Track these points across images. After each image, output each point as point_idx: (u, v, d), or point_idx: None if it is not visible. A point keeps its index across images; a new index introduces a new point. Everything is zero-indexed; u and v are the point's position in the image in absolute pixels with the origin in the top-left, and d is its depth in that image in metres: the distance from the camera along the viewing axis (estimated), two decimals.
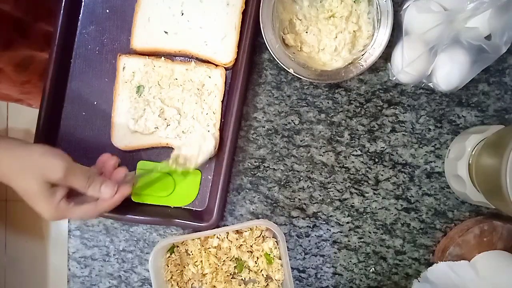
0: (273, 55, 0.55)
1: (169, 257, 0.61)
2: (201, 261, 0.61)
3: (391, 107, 0.61)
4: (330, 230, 0.63)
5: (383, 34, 0.55)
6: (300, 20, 0.58)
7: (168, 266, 0.61)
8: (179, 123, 0.60)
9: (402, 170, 0.62)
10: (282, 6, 0.57)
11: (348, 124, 0.62)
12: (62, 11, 0.59)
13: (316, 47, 0.58)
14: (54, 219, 0.49)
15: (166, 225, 0.63)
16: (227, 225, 0.62)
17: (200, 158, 0.58)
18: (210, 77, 0.60)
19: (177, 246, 0.62)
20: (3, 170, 0.47)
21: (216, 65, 0.60)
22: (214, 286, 0.61)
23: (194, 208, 0.62)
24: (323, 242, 0.63)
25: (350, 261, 0.63)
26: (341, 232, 0.63)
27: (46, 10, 0.69)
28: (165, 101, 0.60)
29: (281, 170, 0.62)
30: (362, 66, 0.56)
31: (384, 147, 0.62)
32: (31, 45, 0.72)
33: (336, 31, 0.57)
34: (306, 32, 0.58)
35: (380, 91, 0.61)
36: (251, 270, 0.61)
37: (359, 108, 0.62)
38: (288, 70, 0.56)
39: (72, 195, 0.50)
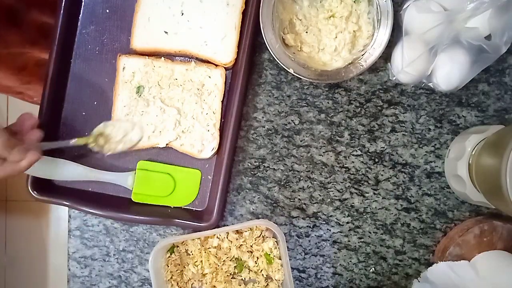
0: (273, 55, 0.55)
1: (169, 257, 0.61)
2: (201, 261, 0.61)
3: (391, 107, 0.61)
4: (330, 230, 0.63)
5: (383, 34, 0.55)
6: (300, 20, 0.58)
7: (168, 266, 0.61)
8: (179, 123, 0.60)
9: (402, 170, 0.62)
10: (282, 6, 0.57)
11: (348, 124, 0.62)
12: (62, 11, 0.59)
13: (316, 47, 0.58)
14: None
15: (166, 225, 0.63)
16: (227, 225, 0.62)
17: (120, 146, 0.57)
18: (210, 77, 0.60)
19: (177, 246, 0.62)
20: None
21: (216, 65, 0.60)
22: (214, 286, 0.61)
23: (194, 208, 0.62)
24: (323, 242, 0.63)
25: (350, 261, 0.63)
26: (341, 232, 0.63)
27: (48, 2, 0.67)
28: (165, 101, 0.60)
29: (281, 170, 0.62)
30: (362, 66, 0.56)
31: (384, 147, 0.62)
32: (23, 34, 0.71)
33: (336, 31, 0.57)
34: (306, 32, 0.58)
35: (380, 91, 0.61)
36: (251, 270, 0.61)
37: (359, 108, 0.62)
38: (288, 70, 0.56)
39: None
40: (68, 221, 0.64)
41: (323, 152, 0.62)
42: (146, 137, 0.60)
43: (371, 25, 0.57)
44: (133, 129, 0.58)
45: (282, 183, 0.63)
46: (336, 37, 0.58)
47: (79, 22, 0.62)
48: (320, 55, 0.59)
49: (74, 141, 0.56)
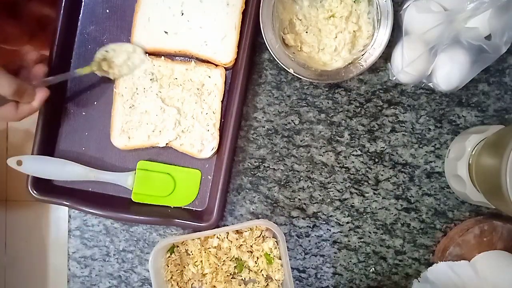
0: (273, 55, 0.55)
1: (169, 257, 0.61)
2: (201, 261, 0.61)
3: (391, 107, 0.61)
4: (330, 230, 0.63)
5: (383, 34, 0.55)
6: (300, 20, 0.58)
7: (168, 266, 0.61)
8: (179, 122, 0.60)
9: (402, 170, 0.62)
10: (282, 6, 0.57)
11: (348, 124, 0.62)
12: (62, 12, 0.59)
13: (316, 47, 0.58)
14: None
15: (166, 225, 0.63)
16: (227, 225, 0.62)
17: (124, 69, 0.58)
18: (210, 77, 0.60)
19: (177, 246, 0.62)
20: None
21: (216, 65, 0.60)
22: (214, 286, 0.61)
23: (194, 208, 0.62)
24: (323, 242, 0.63)
25: (350, 261, 0.63)
26: (341, 232, 0.63)
27: None
28: (165, 100, 0.60)
29: (281, 170, 0.62)
30: (362, 66, 0.56)
31: (384, 147, 0.62)
32: (22, 27, 0.70)
33: (336, 31, 0.57)
34: (306, 32, 0.58)
35: (380, 91, 0.61)
36: (251, 270, 0.61)
37: (359, 108, 0.62)
38: (288, 70, 0.56)
39: None
40: (68, 221, 0.64)
41: (323, 152, 0.62)
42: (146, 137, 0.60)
43: (371, 25, 0.57)
44: (135, 51, 0.58)
45: (282, 183, 0.63)
46: (336, 37, 0.58)
47: (79, 22, 0.62)
48: (320, 55, 0.59)
49: (78, 71, 0.57)
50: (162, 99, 0.60)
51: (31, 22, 0.71)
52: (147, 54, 0.60)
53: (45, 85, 0.53)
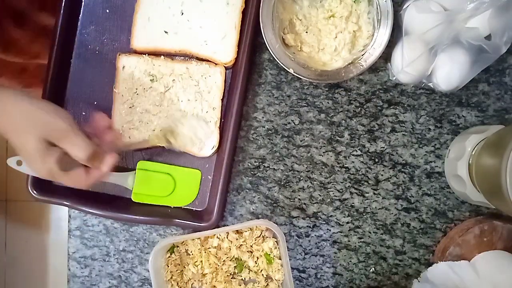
0: (273, 55, 0.55)
1: (169, 257, 0.61)
2: (201, 261, 0.61)
3: (391, 107, 0.61)
4: (330, 230, 0.63)
5: (383, 34, 0.55)
6: (300, 20, 0.58)
7: (168, 266, 0.61)
8: (179, 121, 0.60)
9: (402, 170, 0.62)
10: (282, 6, 0.57)
11: (348, 124, 0.62)
12: (62, 11, 0.59)
13: (316, 47, 0.58)
14: (44, 177, 0.49)
15: (166, 225, 0.63)
16: (227, 225, 0.62)
17: (189, 143, 0.58)
18: (210, 75, 0.60)
19: (177, 246, 0.62)
20: (4, 122, 0.46)
21: (216, 64, 0.60)
22: (214, 286, 0.61)
23: (194, 208, 0.62)
24: (323, 242, 0.63)
25: (350, 261, 0.63)
26: (341, 232, 0.63)
27: (51, 2, 0.67)
28: (165, 100, 0.60)
29: (281, 170, 0.62)
30: (362, 66, 0.56)
31: (384, 147, 0.62)
32: (27, 35, 0.71)
33: (336, 31, 0.57)
34: (306, 32, 0.58)
35: (380, 91, 0.61)
36: (251, 270, 0.61)
37: (359, 108, 0.62)
38: (288, 70, 0.56)
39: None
40: (68, 221, 0.64)
41: (323, 152, 0.62)
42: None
43: (371, 25, 0.57)
44: (200, 125, 0.59)
45: (282, 183, 0.63)
46: (336, 37, 0.58)
47: (79, 22, 0.62)
48: (320, 55, 0.58)
49: (150, 140, 0.58)
50: (162, 99, 0.60)
51: (36, 30, 0.72)
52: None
53: (115, 151, 0.53)
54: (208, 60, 0.60)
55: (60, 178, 0.49)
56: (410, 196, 0.62)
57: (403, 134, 0.62)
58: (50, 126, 0.46)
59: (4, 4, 0.63)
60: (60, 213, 1.50)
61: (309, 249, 0.63)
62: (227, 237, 0.61)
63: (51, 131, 0.46)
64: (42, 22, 0.71)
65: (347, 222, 0.62)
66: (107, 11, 0.62)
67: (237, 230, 0.61)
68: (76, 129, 0.48)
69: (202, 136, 0.59)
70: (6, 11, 0.65)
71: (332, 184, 0.62)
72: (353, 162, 0.62)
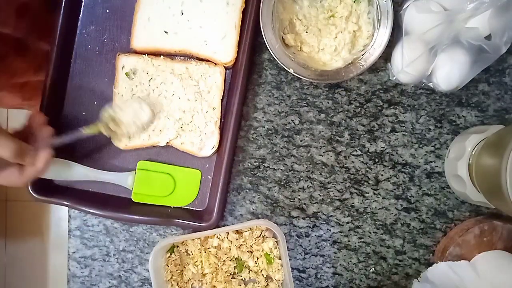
0: (273, 55, 0.55)
1: (169, 257, 0.61)
2: (201, 261, 0.61)
3: (391, 107, 0.61)
4: (330, 230, 0.63)
5: (383, 34, 0.55)
6: (300, 20, 0.58)
7: (168, 266, 0.61)
8: (179, 121, 0.60)
9: (402, 170, 0.62)
10: (282, 6, 0.57)
11: (348, 124, 0.62)
12: (62, 11, 0.59)
13: (316, 47, 0.58)
14: None
15: (166, 225, 0.63)
16: (227, 225, 0.62)
17: (132, 129, 0.57)
18: (209, 75, 0.60)
19: (177, 246, 0.62)
20: None
21: (216, 64, 0.60)
22: (214, 286, 0.61)
23: (194, 208, 0.62)
24: (323, 242, 0.63)
25: (350, 261, 0.63)
26: (341, 232, 0.63)
27: (49, 31, 0.66)
28: (165, 99, 0.60)
29: (281, 170, 0.62)
30: (362, 66, 0.56)
31: (384, 147, 0.62)
32: (28, 62, 0.71)
33: (336, 31, 0.57)
34: (306, 32, 0.58)
35: (380, 91, 0.61)
36: (251, 270, 0.61)
37: (359, 108, 0.62)
38: (288, 70, 0.56)
39: None
40: (68, 221, 0.64)
41: (323, 152, 0.62)
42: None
43: (371, 25, 0.57)
44: (142, 108, 0.57)
45: (282, 183, 0.63)
46: (336, 37, 0.58)
47: (79, 22, 0.62)
48: (320, 55, 0.59)
49: (85, 131, 0.56)
50: (162, 98, 0.60)
51: (37, 57, 0.72)
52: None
53: (49, 147, 0.52)
54: (208, 60, 0.60)
55: None
56: (410, 196, 0.62)
57: (403, 134, 0.62)
58: None
59: (3, 35, 0.63)
60: (60, 213, 1.50)
61: (309, 249, 0.63)
62: (227, 237, 0.61)
63: None
64: (42, 49, 0.71)
65: (347, 222, 0.62)
66: (107, 11, 0.62)
67: (237, 230, 0.61)
68: None
69: (145, 120, 0.57)
70: (6, 42, 0.65)
71: (332, 184, 0.62)
72: (353, 162, 0.62)
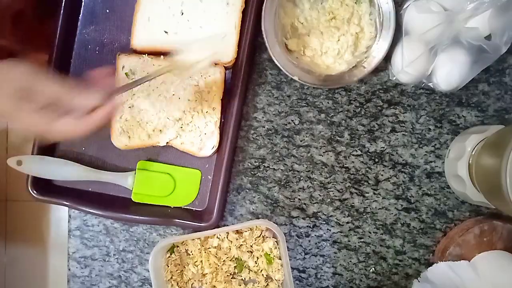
0: (277, 63, 0.56)
1: (169, 257, 0.61)
2: (201, 261, 0.61)
3: (391, 107, 0.61)
4: (330, 230, 0.63)
5: (386, 36, 0.55)
6: (302, 23, 0.58)
7: (168, 266, 0.61)
8: (179, 121, 0.60)
9: (402, 170, 0.62)
10: (283, 11, 0.57)
11: (348, 124, 0.62)
12: (62, 11, 0.59)
13: (319, 51, 0.58)
14: (38, 133, 0.46)
15: (166, 225, 0.63)
16: (227, 225, 0.62)
17: (199, 65, 0.53)
18: (210, 75, 0.60)
19: (177, 246, 0.62)
20: None
21: (216, 64, 0.60)
22: (214, 286, 0.61)
23: (194, 208, 0.62)
24: (323, 242, 0.63)
25: (350, 261, 0.63)
26: (341, 232, 0.63)
27: (45, 41, 0.64)
28: (165, 99, 0.60)
29: (281, 170, 0.62)
30: (365, 68, 0.56)
31: (384, 147, 0.62)
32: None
33: (338, 34, 0.57)
34: (308, 36, 0.58)
35: (380, 91, 0.61)
36: (251, 270, 0.61)
37: (359, 108, 0.62)
38: (293, 77, 0.56)
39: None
40: (68, 221, 0.64)
41: (323, 152, 0.62)
42: (146, 136, 0.60)
43: (373, 26, 0.57)
44: (203, 46, 0.54)
45: (282, 183, 0.63)
46: (338, 39, 0.57)
47: (79, 22, 0.62)
48: (323, 59, 0.58)
49: (154, 73, 0.52)
50: (162, 98, 0.60)
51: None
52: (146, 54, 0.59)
53: (118, 91, 0.50)
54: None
55: (53, 127, 0.45)
56: (410, 196, 0.62)
57: (403, 134, 0.62)
58: (12, 80, 0.44)
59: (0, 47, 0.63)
60: (60, 213, 1.50)
61: (309, 249, 0.63)
62: (227, 237, 0.61)
63: (15, 84, 0.43)
64: (40, 59, 0.71)
65: (347, 222, 0.62)
66: (107, 11, 0.62)
67: (237, 230, 0.61)
68: (41, 73, 0.45)
69: (209, 54, 0.53)
70: (2, 54, 0.65)
71: (332, 184, 0.62)
72: (353, 162, 0.62)
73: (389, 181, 0.62)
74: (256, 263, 0.61)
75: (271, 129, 0.62)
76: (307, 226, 0.63)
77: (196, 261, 0.61)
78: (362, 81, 0.61)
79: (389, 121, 0.62)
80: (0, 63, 0.45)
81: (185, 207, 0.62)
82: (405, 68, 0.55)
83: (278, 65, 0.55)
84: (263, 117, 0.62)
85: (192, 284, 0.62)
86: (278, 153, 0.62)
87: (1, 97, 0.44)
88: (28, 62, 0.45)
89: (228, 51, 0.59)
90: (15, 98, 0.44)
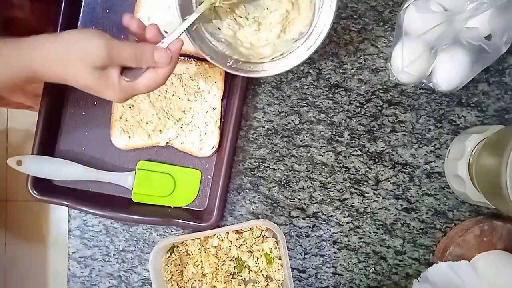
0: (186, 35, 0.51)
1: (169, 257, 0.61)
2: (201, 261, 0.61)
3: (391, 107, 0.61)
4: (330, 230, 0.63)
5: (323, 25, 0.50)
6: None
7: (168, 266, 0.61)
8: (179, 121, 0.60)
9: (402, 170, 0.62)
10: None
11: (348, 124, 0.62)
12: (62, 11, 0.59)
13: (244, 18, 0.53)
14: (123, 99, 0.48)
15: (166, 225, 0.63)
16: (227, 225, 0.62)
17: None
18: (210, 75, 0.60)
19: (177, 246, 0.62)
20: (50, 72, 0.46)
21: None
22: (214, 286, 0.61)
23: (194, 208, 0.62)
24: (323, 242, 0.63)
25: (350, 261, 0.63)
26: (341, 232, 0.63)
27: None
28: (165, 99, 0.60)
29: (281, 170, 0.62)
30: (290, 64, 0.50)
31: (384, 147, 0.62)
32: (26, 95, 0.72)
33: (267, 4, 0.52)
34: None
35: (380, 91, 0.61)
36: (251, 270, 0.61)
37: (359, 108, 0.62)
38: (206, 57, 0.52)
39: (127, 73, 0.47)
40: (68, 221, 0.64)
41: (323, 152, 0.62)
42: (146, 136, 0.60)
43: (311, 11, 0.50)
44: None
45: (282, 183, 0.63)
46: (266, 9, 0.51)
47: (79, 22, 0.62)
48: (246, 31, 0.53)
49: (199, 10, 0.51)
50: (162, 98, 0.60)
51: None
52: None
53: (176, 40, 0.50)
54: (208, 60, 0.60)
55: (135, 89, 0.47)
56: (410, 196, 0.62)
57: (403, 134, 0.62)
58: (88, 53, 0.44)
59: (20, 21, 0.63)
60: (60, 213, 1.50)
61: (309, 249, 0.63)
62: (227, 237, 0.61)
63: (93, 57, 0.44)
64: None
65: (347, 222, 0.62)
66: (107, 11, 0.62)
67: (237, 230, 0.61)
68: (113, 41, 0.46)
69: None
70: (23, 28, 0.65)
71: (332, 184, 0.62)
72: (353, 162, 0.62)
73: (389, 181, 0.62)
74: (256, 263, 0.61)
75: (271, 129, 0.62)
76: (307, 226, 0.63)
77: (196, 261, 0.61)
78: (362, 81, 0.61)
79: (389, 121, 0.62)
80: (77, 35, 0.46)
81: (185, 207, 0.62)
82: (405, 68, 0.55)
83: (188, 36, 0.51)
84: (263, 117, 0.62)
85: (192, 284, 0.62)
86: (278, 153, 0.62)
87: (85, 72, 0.45)
88: (99, 31, 0.46)
89: None
90: (95, 70, 0.45)
